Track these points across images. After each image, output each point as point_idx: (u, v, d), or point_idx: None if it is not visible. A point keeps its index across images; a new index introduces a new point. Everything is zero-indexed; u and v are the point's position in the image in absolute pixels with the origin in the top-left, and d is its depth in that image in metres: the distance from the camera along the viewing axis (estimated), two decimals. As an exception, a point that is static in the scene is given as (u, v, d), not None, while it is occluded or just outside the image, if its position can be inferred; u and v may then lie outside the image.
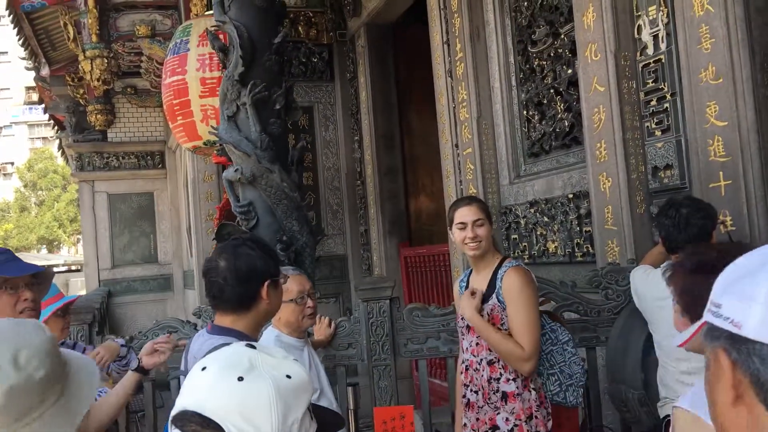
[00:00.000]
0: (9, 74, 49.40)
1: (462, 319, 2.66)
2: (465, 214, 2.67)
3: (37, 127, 51.99)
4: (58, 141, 14.21)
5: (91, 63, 6.92)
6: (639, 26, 3.46)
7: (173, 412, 0.98)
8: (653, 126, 3.42)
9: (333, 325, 3.37)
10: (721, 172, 3.05)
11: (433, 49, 5.58)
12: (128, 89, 10.64)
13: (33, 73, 10.37)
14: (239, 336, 1.86)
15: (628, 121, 3.50)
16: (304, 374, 1.01)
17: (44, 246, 40.99)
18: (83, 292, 11.92)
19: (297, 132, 7.35)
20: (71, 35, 7.22)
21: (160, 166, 11.39)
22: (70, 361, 1.30)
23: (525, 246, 4.52)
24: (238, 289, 1.94)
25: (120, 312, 10.94)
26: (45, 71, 9.98)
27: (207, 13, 5.89)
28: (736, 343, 0.76)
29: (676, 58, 3.26)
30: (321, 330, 3.33)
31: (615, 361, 2.93)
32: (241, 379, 0.95)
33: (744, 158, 2.95)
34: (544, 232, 4.35)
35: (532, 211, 4.44)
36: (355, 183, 7.73)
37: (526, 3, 4.55)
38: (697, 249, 1.71)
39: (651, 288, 2.70)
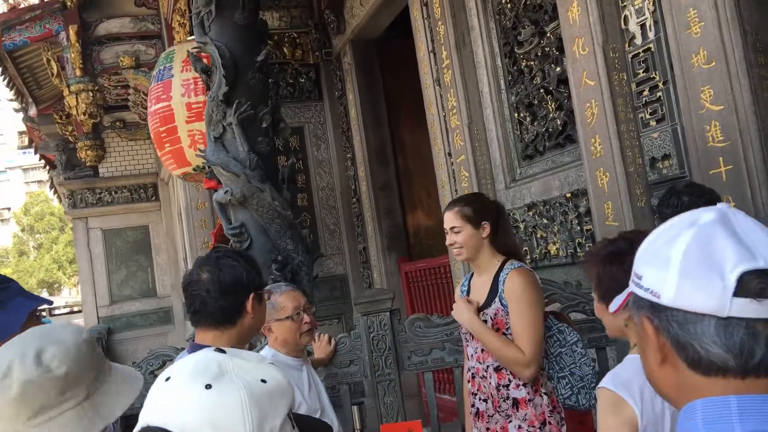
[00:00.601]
0: (1, 120, 49.57)
1: None
2: (445, 220, 2.64)
3: (32, 171, 52.05)
4: (49, 180, 14.13)
5: (77, 97, 6.86)
6: (625, 16, 3.40)
7: (135, 431, 0.88)
8: (647, 116, 3.34)
9: (333, 342, 3.26)
10: (720, 158, 2.97)
11: (419, 59, 5.53)
12: (117, 123, 10.59)
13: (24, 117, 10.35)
14: None
15: (622, 114, 3.42)
16: (281, 378, 0.92)
17: (44, 289, 40.79)
18: (84, 331, 11.73)
19: (288, 153, 7.28)
20: (55, 71, 7.18)
21: (153, 198, 11.31)
22: (114, 369, 1.31)
23: (526, 250, 4.42)
24: (222, 302, 1.84)
25: (121, 348, 10.79)
26: (33, 111, 9.94)
27: (189, 38, 5.84)
28: (656, 311, 0.84)
29: (666, 46, 3.19)
30: (321, 348, 3.22)
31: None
32: (209, 386, 0.86)
33: (744, 141, 2.86)
34: (545, 235, 4.25)
35: (531, 214, 4.35)
36: (351, 201, 7.65)
37: (509, 5, 4.50)
38: (608, 239, 1.78)
39: None
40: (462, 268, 5.34)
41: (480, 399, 2.48)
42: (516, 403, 2.38)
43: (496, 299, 2.47)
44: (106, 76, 7.95)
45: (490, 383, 2.44)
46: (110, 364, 1.31)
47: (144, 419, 0.87)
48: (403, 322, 3.30)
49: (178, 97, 5.30)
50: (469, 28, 4.83)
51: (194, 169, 5.42)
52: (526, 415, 2.36)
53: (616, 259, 1.65)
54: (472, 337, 2.51)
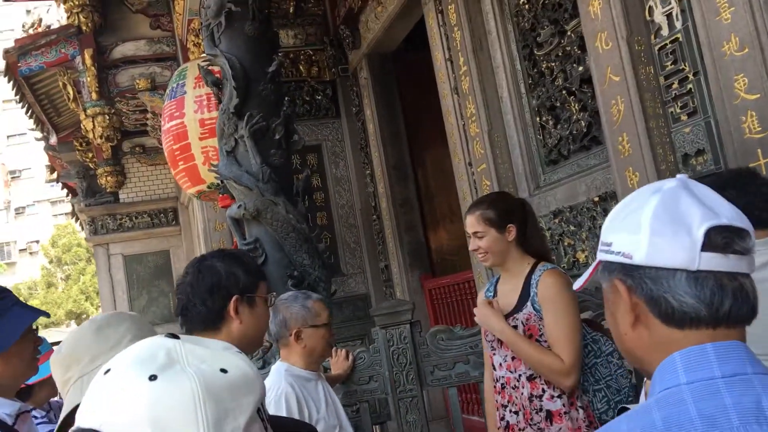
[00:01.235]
0: (28, 155, 50.47)
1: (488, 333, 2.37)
2: (467, 224, 2.47)
3: (59, 204, 52.78)
4: (71, 208, 14.20)
5: (93, 121, 6.84)
6: (650, 7, 3.23)
7: None
8: (678, 110, 3.15)
9: (351, 357, 3.09)
10: (759, 150, 2.77)
11: (436, 68, 5.40)
12: (136, 148, 10.60)
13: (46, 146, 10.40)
14: None
15: (650, 109, 3.24)
16: (248, 369, 0.75)
17: (73, 320, 41.06)
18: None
19: (306, 171, 7.16)
20: (71, 95, 7.17)
21: (173, 222, 11.26)
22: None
23: (553, 260, 4.21)
24: (201, 307, 1.69)
25: (143, 375, 10.65)
26: (53, 139, 9.99)
27: (203, 56, 5.79)
28: (629, 272, 0.91)
29: (695, 35, 3.01)
30: (338, 363, 3.05)
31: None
32: (153, 378, 0.70)
33: (784, 130, 2.67)
34: (572, 242, 4.05)
35: (557, 221, 4.16)
36: (371, 218, 7.50)
37: (527, 5, 4.36)
38: None
39: None
40: (486, 281, 5.14)
41: (510, 411, 2.28)
42: (550, 415, 2.17)
43: (528, 303, 2.29)
44: (124, 101, 7.94)
45: (522, 394, 2.24)
46: None
47: (78, 420, 0.71)
48: (425, 335, 3.12)
49: (192, 114, 5.22)
50: (486, 32, 4.69)
51: (209, 187, 5.32)
52: (560, 429, 2.16)
53: None
54: (501, 344, 2.32)
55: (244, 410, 0.71)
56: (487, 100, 4.68)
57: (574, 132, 4.07)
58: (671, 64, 3.15)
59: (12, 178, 51.44)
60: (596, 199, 3.82)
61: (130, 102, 8.08)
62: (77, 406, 0.72)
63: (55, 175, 12.22)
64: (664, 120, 3.22)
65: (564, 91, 4.13)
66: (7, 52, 7.03)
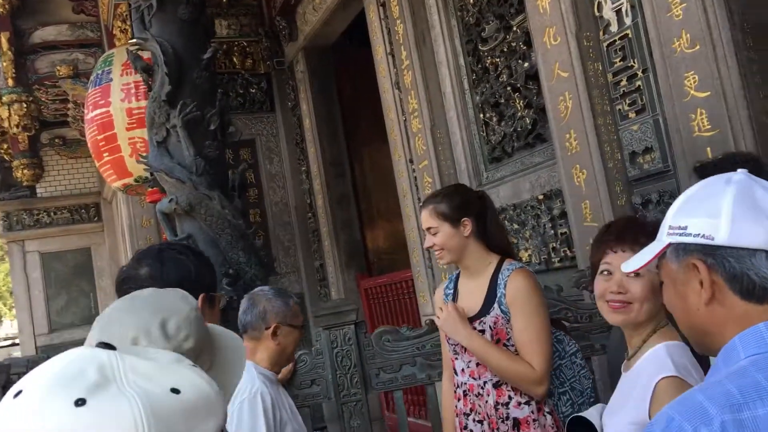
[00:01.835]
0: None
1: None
2: (422, 219, 2.33)
3: (-29, 198, 50.13)
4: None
5: (9, 109, 6.38)
6: (599, 3, 3.19)
7: None
8: (626, 108, 3.12)
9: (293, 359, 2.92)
10: (708, 148, 2.75)
11: (376, 62, 5.27)
12: (56, 140, 10.04)
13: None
14: None
15: (598, 106, 3.20)
16: (206, 387, 0.60)
17: (-16, 320, 38.94)
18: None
19: (239, 167, 6.91)
20: (-15, 81, 6.69)
21: (95, 219, 10.74)
22: (215, 334, 1.18)
23: (518, 257, 4.15)
24: None
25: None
26: (-36, 128, 9.34)
27: (131, 41, 5.48)
28: (709, 252, 1.00)
29: (644, 31, 2.98)
30: (278, 367, 2.87)
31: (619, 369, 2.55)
32: (81, 402, 0.54)
33: (734, 128, 2.65)
34: (516, 241, 3.99)
35: (501, 219, 4.09)
36: (306, 216, 7.31)
37: (472, 0, 4.28)
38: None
39: None
40: (426, 282, 5.05)
41: (474, 420, 2.15)
42: (517, 423, 2.06)
43: (495, 305, 2.16)
44: (43, 89, 7.49)
45: (486, 402, 2.12)
46: (210, 328, 1.17)
47: None
48: (369, 336, 2.98)
49: (118, 102, 4.92)
50: (430, 26, 4.59)
51: (136, 180, 5.02)
52: None
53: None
54: (464, 350, 2.19)
55: None
56: (430, 95, 4.58)
57: (519, 129, 4.02)
58: (620, 61, 3.12)
59: None
60: (540, 197, 3.77)
61: (49, 90, 7.63)
62: None
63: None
64: (612, 117, 3.18)
65: (509, 88, 4.07)
66: None
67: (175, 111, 3.85)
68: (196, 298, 1.51)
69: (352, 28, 6.37)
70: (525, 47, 3.88)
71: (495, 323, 2.15)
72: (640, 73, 3.04)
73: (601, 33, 3.21)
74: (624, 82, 3.11)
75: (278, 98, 7.36)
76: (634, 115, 3.08)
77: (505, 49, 4.06)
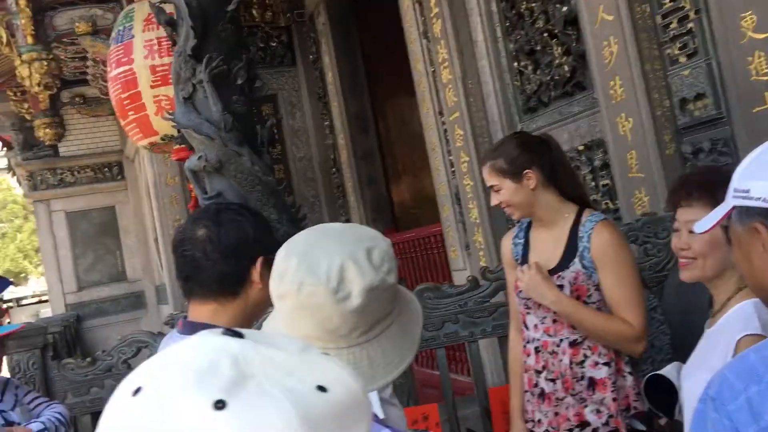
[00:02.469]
0: (-44, 107, 47.98)
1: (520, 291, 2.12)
2: (485, 177, 2.18)
3: (-8, 159, 50.51)
4: (6, 162, 13.44)
5: (29, 67, 6.29)
6: (648, -60, 3.01)
7: None
8: (676, 52, 2.97)
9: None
10: (766, 93, 2.61)
11: (403, 11, 5.10)
12: (77, 99, 9.94)
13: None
14: None
15: (646, 51, 3.05)
16: (352, 383, 0.50)
17: (11, 279, 39.64)
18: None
19: (262, 122, 6.81)
20: (4, 39, 6.58)
21: (119, 177, 10.71)
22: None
23: (595, 207, 4.04)
24: (223, 266, 1.43)
25: (91, 336, 10.21)
26: (-16, 88, 9.29)
27: (150, -5, 5.34)
28: None
29: (697, -31, 2.82)
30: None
31: (677, 324, 2.46)
32: (221, 405, 0.44)
33: (795, 71, 2.51)
34: (553, 194, 3.88)
35: (536, 171, 3.98)
36: (331, 171, 7.22)
37: (505, -59, 4.09)
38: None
39: None
40: (457, 237, 4.97)
41: (546, 378, 2.05)
42: (593, 383, 1.96)
43: (576, 260, 2.03)
44: (62, 47, 7.37)
45: (561, 360, 2.01)
46: None
47: None
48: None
49: (141, 60, 4.80)
50: (460, -29, 4.40)
51: (162, 139, 4.94)
52: (604, 399, 1.95)
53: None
54: (539, 305, 2.07)
55: None
56: (460, 44, 4.43)
57: (556, 77, 3.86)
58: (670, 2, 2.95)
59: (-61, 132, 48.93)
60: (581, 147, 3.64)
61: (68, 48, 7.52)
62: None
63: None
64: (661, 62, 3.03)
65: (545, 34, 3.91)
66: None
67: (200, 65, 3.74)
68: (254, 264, 1.45)
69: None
70: (564, -10, 3.70)
71: (575, 279, 2.02)
72: (692, 15, 2.87)
73: (649, -27, 3.03)
74: (674, 24, 2.95)
75: (299, 52, 7.20)
76: (685, 59, 2.93)
77: (542, -7, 3.88)
